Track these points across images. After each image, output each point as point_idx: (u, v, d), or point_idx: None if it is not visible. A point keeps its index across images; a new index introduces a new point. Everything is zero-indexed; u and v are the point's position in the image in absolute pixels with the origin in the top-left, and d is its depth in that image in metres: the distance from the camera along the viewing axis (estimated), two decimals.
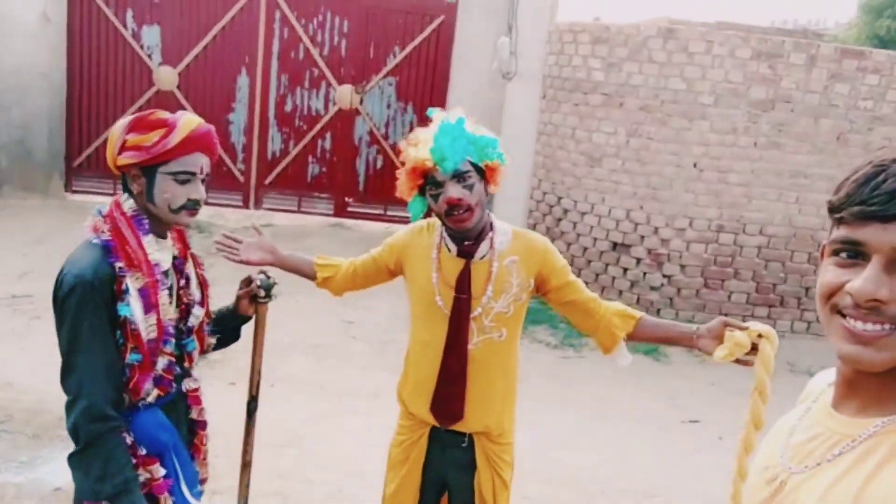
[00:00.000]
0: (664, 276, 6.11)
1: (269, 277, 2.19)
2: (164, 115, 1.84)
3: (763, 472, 1.04)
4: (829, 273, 0.92)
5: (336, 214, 7.98)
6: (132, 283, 1.77)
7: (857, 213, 0.88)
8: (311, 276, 2.40)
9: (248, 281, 2.18)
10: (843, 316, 0.90)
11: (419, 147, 2.07)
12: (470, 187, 2.05)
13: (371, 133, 7.89)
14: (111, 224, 1.80)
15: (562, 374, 5.07)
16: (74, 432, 1.72)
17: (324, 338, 5.22)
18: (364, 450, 3.89)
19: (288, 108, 7.84)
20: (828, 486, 0.90)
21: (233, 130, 7.81)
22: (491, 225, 2.18)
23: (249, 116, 7.80)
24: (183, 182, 1.83)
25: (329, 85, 7.78)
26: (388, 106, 7.88)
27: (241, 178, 7.88)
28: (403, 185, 2.15)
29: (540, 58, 6.74)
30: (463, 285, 2.14)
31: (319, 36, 7.70)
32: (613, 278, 6.22)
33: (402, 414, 2.32)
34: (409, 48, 7.72)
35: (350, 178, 7.95)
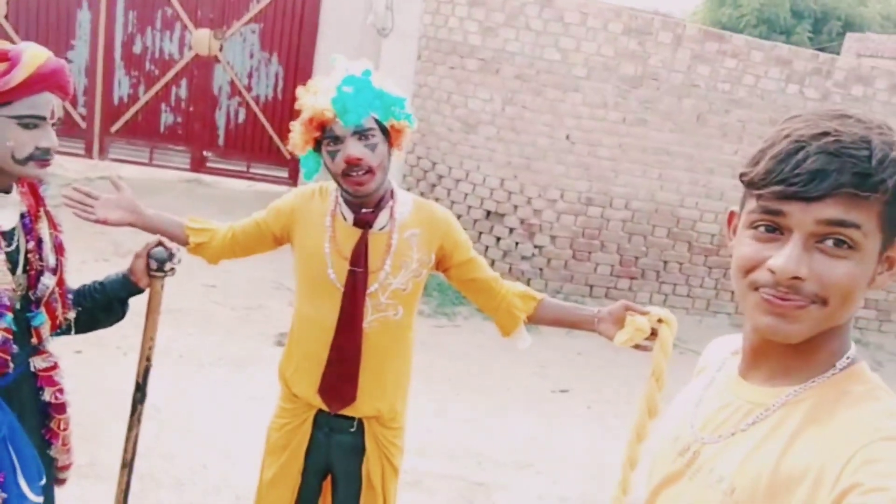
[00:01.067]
0: (535, 246, 6.18)
1: (168, 249, 1.92)
2: (4, 45, 1.57)
3: (673, 442, 1.03)
4: (747, 247, 0.91)
5: (193, 169, 7.40)
6: None
7: (779, 192, 0.87)
8: (182, 241, 2.10)
9: (147, 249, 1.92)
10: (763, 293, 0.90)
11: (319, 95, 1.84)
12: (372, 147, 1.85)
13: (232, 83, 7.35)
14: None
15: (435, 344, 5.00)
16: None
17: (183, 302, 4.80)
18: (230, 423, 3.65)
19: (137, 49, 7.13)
20: (745, 455, 0.91)
21: (73, 70, 6.95)
22: (392, 193, 1.99)
23: (92, 56, 7.02)
24: (29, 127, 1.57)
25: (185, 27, 7.14)
26: (251, 55, 7.35)
27: (83, 125, 7.11)
28: (297, 138, 1.91)
29: (416, 15, 6.52)
30: (359, 258, 1.93)
31: None
32: (486, 247, 6.21)
33: (283, 395, 2.10)
34: None
35: (209, 130, 7.38)
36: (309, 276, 1.99)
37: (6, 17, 6.74)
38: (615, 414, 4.47)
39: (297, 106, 1.91)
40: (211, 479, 3.21)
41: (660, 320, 1.84)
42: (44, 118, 1.58)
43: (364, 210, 1.93)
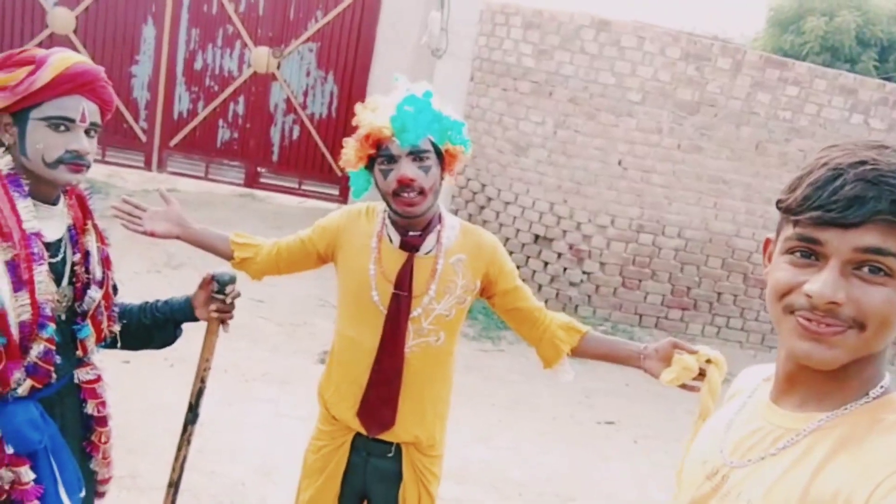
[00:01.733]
0: (584, 272, 6.08)
1: (231, 275, 1.92)
2: (36, 51, 1.57)
3: (701, 466, 1.03)
4: (783, 272, 0.92)
5: (247, 184, 7.52)
6: (0, 253, 1.50)
7: (817, 218, 0.88)
8: (227, 255, 2.12)
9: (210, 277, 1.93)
10: (798, 316, 0.90)
11: (377, 113, 1.83)
12: (426, 169, 1.83)
13: (288, 101, 7.46)
14: None
15: (479, 368, 4.94)
16: None
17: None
18: (271, 441, 3.64)
19: (198, 65, 7.30)
20: (773, 480, 0.91)
21: (135, 85, 7.21)
22: (440, 217, 1.96)
23: (154, 71, 7.21)
24: (59, 129, 1.55)
25: (244, 45, 7.29)
26: (308, 73, 7.46)
27: (144, 138, 7.30)
28: (351, 153, 1.89)
29: (471, 37, 6.53)
30: (403, 281, 1.90)
31: None
32: (534, 272, 6.14)
33: (322, 417, 2.07)
34: (332, 13, 7.33)
35: (263, 146, 7.51)
36: (352, 297, 1.97)
37: (75, 31, 6.98)
38: (663, 450, 4.33)
39: (354, 122, 1.90)
40: (250, 499, 3.20)
41: (708, 360, 1.79)
42: (73, 120, 1.57)
43: (411, 233, 1.91)
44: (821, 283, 0.87)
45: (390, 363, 1.93)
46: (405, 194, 1.81)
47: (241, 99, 7.42)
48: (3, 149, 1.57)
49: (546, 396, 4.75)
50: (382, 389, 1.95)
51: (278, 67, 7.36)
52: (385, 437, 1.99)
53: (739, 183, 6.11)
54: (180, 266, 5.45)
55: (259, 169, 7.54)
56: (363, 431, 1.99)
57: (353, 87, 7.41)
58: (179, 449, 1.97)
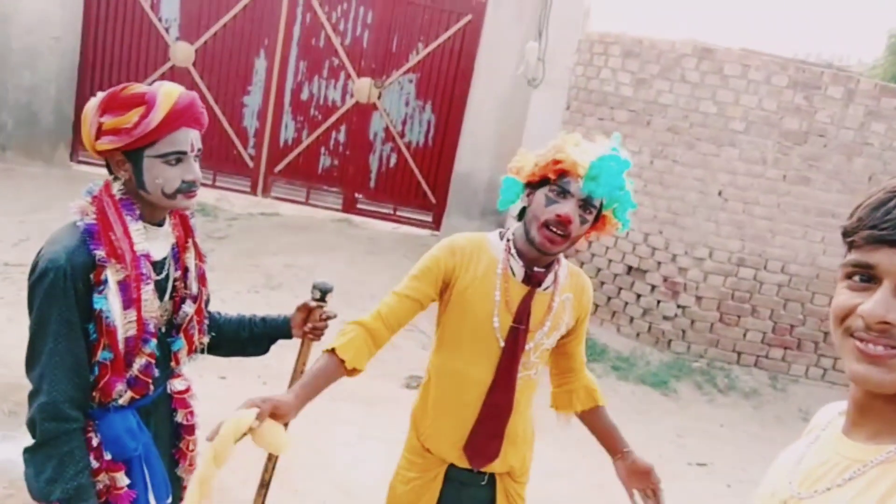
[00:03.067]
0: (679, 306, 5.89)
1: (330, 285, 2.00)
2: (138, 88, 1.65)
3: (770, 498, 1.04)
4: (842, 296, 0.94)
5: (345, 210, 7.76)
6: (112, 275, 1.60)
7: (868, 237, 0.90)
8: (345, 374, 1.88)
9: (307, 307, 2.01)
10: (856, 338, 0.91)
11: (579, 150, 1.84)
12: (584, 220, 1.84)
13: (387, 129, 7.67)
14: (97, 207, 1.63)
15: None
16: (31, 426, 1.60)
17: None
18: (354, 462, 3.70)
19: (304, 96, 7.63)
20: None
21: (246, 114, 7.60)
22: (558, 257, 1.98)
23: (264, 101, 7.59)
24: (173, 163, 1.65)
25: (348, 76, 7.57)
26: (407, 103, 7.66)
27: (251, 164, 7.67)
28: (529, 165, 1.90)
29: (567, 67, 6.53)
30: (523, 315, 1.92)
31: (342, 25, 7.48)
32: (626, 303, 6.00)
33: (412, 448, 2.08)
34: (432, 45, 7.50)
35: (362, 173, 7.74)
36: (467, 325, 1.94)
37: (194, 64, 7.46)
38: None
39: (556, 150, 1.86)
40: None
41: None
42: (185, 153, 1.66)
43: (536, 269, 1.92)
44: (872, 302, 0.89)
45: (503, 396, 1.95)
46: (555, 230, 1.82)
47: (343, 128, 7.68)
48: (113, 177, 1.67)
49: (635, 433, 4.58)
50: (492, 423, 1.96)
51: (379, 97, 7.59)
52: (485, 468, 2.02)
53: None
54: (278, 287, 5.67)
55: (356, 195, 7.77)
56: (466, 465, 2.00)
57: (450, 116, 7.54)
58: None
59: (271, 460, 2.02)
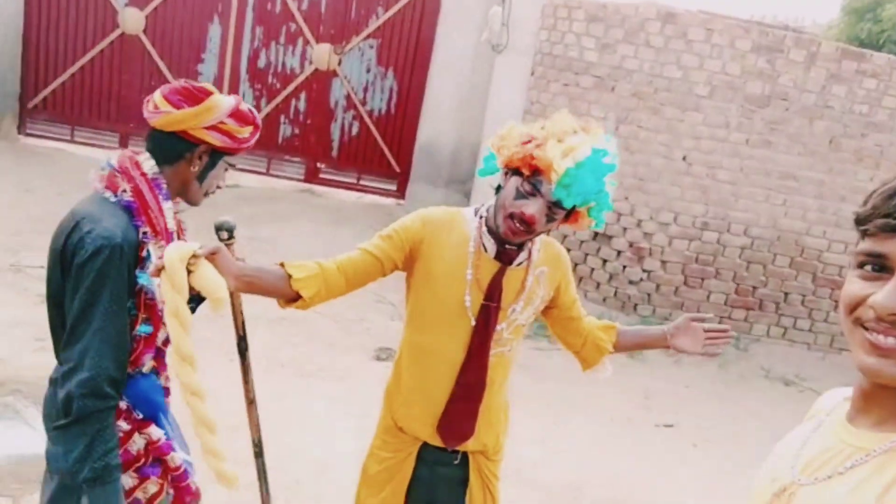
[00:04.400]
0: (644, 270, 5.94)
1: (233, 223, 1.91)
2: (252, 110, 1.82)
3: (771, 483, 1.03)
4: (853, 285, 0.92)
5: (307, 180, 7.62)
6: (154, 251, 1.66)
7: (882, 225, 0.88)
8: (289, 296, 1.81)
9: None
10: (866, 329, 0.90)
11: (561, 149, 1.72)
12: (550, 218, 1.78)
13: (348, 97, 7.52)
14: (133, 185, 1.67)
15: (533, 367, 4.87)
16: (66, 403, 1.59)
17: (289, 311, 4.94)
18: (326, 439, 3.66)
19: (261, 63, 7.43)
20: (840, 499, 0.90)
21: (202, 83, 7.37)
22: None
23: (220, 69, 7.37)
24: (226, 170, 1.85)
25: (306, 42, 7.38)
26: (368, 70, 7.51)
27: None
28: (509, 151, 1.79)
29: (532, 32, 6.44)
30: (494, 292, 1.87)
31: None
32: (592, 269, 6.03)
33: (385, 427, 2.04)
34: (393, 10, 7.35)
35: (323, 142, 7.59)
36: (438, 303, 1.90)
37: (144, 31, 7.19)
38: (724, 455, 4.19)
39: (542, 131, 1.78)
40: (305, 497, 3.23)
41: None
42: (234, 165, 1.88)
43: (508, 246, 1.87)
44: (885, 293, 0.87)
45: (475, 375, 1.91)
46: (517, 224, 1.77)
47: (303, 95, 7.51)
48: (147, 154, 1.72)
49: (604, 397, 4.66)
50: (465, 402, 1.93)
51: (339, 64, 7.43)
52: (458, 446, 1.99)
53: (811, 180, 5.87)
54: (240, 261, 5.55)
55: (319, 165, 7.63)
56: (439, 444, 1.97)
57: (412, 83, 7.42)
58: (246, 373, 2.04)
59: (248, 380, 2.04)
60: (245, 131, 1.76)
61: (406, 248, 1.90)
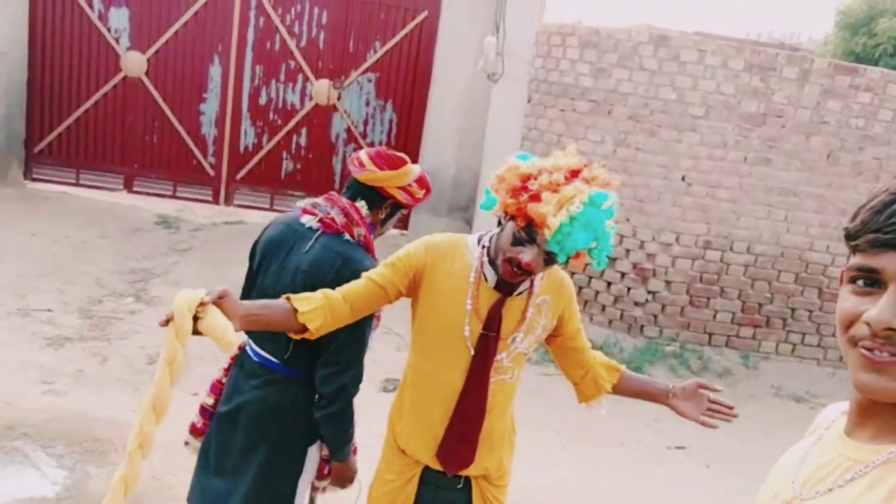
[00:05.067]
0: (649, 291, 5.94)
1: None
2: (417, 169, 2.19)
3: (772, 499, 1.03)
4: (846, 301, 0.92)
5: None
6: None
7: (873, 240, 0.88)
8: (296, 329, 1.85)
9: None
10: (861, 346, 0.89)
11: (556, 207, 1.68)
12: (549, 262, 1.79)
13: (348, 130, 7.60)
14: (365, 227, 2.12)
15: (542, 392, 4.86)
16: (339, 393, 2.05)
17: None
18: None
19: (262, 101, 7.51)
20: None
21: (204, 122, 7.47)
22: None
23: (221, 108, 7.46)
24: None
25: (306, 79, 7.48)
26: (367, 103, 7.59)
27: (212, 172, 7.54)
28: (504, 196, 1.78)
29: (527, 60, 6.53)
30: (494, 322, 1.88)
31: (297, 27, 7.38)
32: (597, 292, 6.04)
33: (389, 449, 2.06)
34: (390, 43, 7.45)
35: (326, 176, 7.65)
36: (438, 332, 1.92)
37: (146, 73, 7.31)
38: (737, 475, 4.16)
39: (540, 175, 1.75)
40: None
41: None
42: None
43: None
44: (878, 308, 0.86)
45: (474, 403, 1.92)
46: (516, 269, 1.78)
47: (304, 131, 7.59)
48: (364, 203, 2.14)
49: (613, 421, 4.62)
50: (464, 429, 1.94)
51: (339, 99, 7.52)
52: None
53: (811, 195, 5.88)
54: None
55: None
56: (435, 466, 1.98)
57: (411, 114, 7.50)
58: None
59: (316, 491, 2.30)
60: (421, 193, 2.19)
61: (409, 275, 1.93)
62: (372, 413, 4.27)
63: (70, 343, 4.59)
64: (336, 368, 2.03)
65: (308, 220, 2.14)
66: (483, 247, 1.92)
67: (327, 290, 1.90)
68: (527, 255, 1.75)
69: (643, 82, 5.85)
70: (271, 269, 2.14)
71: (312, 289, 1.91)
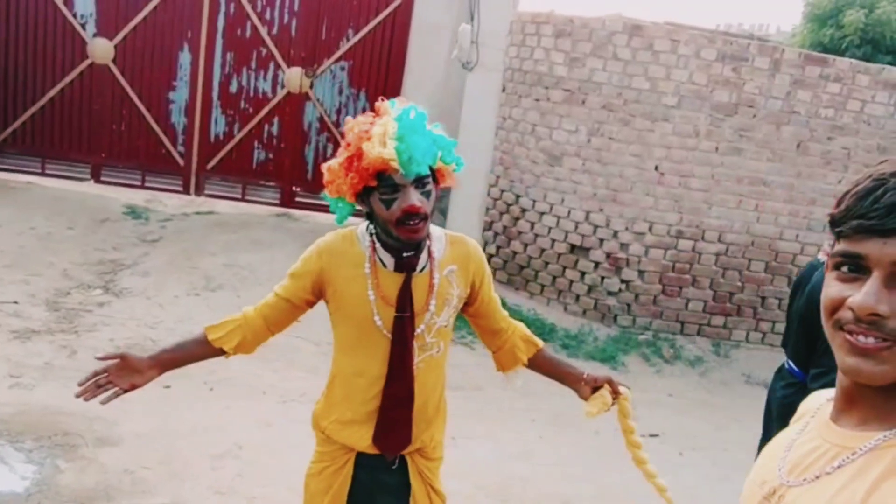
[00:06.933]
0: (622, 281, 5.98)
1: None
2: None
3: (760, 486, 1.04)
4: (831, 287, 0.93)
5: (283, 204, 7.58)
6: None
7: (857, 226, 0.89)
8: (215, 353, 1.95)
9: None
10: (847, 331, 0.90)
11: (379, 143, 1.75)
12: (427, 194, 1.80)
13: (321, 119, 7.52)
14: None
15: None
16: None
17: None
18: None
19: (233, 88, 7.40)
20: (828, 498, 0.90)
21: (173, 110, 7.33)
22: (427, 232, 1.92)
23: (191, 96, 7.33)
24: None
25: (278, 67, 7.37)
26: (340, 92, 7.51)
27: (182, 162, 7.42)
28: (345, 184, 1.80)
29: (501, 49, 6.50)
30: (404, 303, 1.88)
31: (268, 13, 7.27)
32: (571, 282, 6.06)
33: (320, 440, 2.04)
34: (363, 31, 7.37)
35: (298, 166, 7.57)
36: (352, 327, 1.92)
37: (114, 61, 7.15)
38: (710, 462, 4.21)
39: (347, 150, 1.81)
40: None
41: (618, 394, 2.13)
42: None
43: (406, 254, 1.87)
44: (862, 294, 0.87)
45: (401, 385, 1.92)
46: (411, 222, 1.78)
47: (276, 120, 7.49)
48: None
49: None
50: (397, 412, 1.94)
51: (311, 87, 7.43)
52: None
53: (781, 184, 5.96)
54: (219, 288, 5.52)
55: (294, 188, 7.61)
56: (381, 454, 1.97)
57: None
58: None
59: None
60: None
61: (308, 284, 1.94)
62: None
63: (37, 336, 4.50)
64: (822, 370, 2.52)
65: None
66: (371, 234, 1.91)
67: (247, 308, 1.98)
68: (404, 200, 1.76)
69: (617, 72, 5.86)
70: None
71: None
